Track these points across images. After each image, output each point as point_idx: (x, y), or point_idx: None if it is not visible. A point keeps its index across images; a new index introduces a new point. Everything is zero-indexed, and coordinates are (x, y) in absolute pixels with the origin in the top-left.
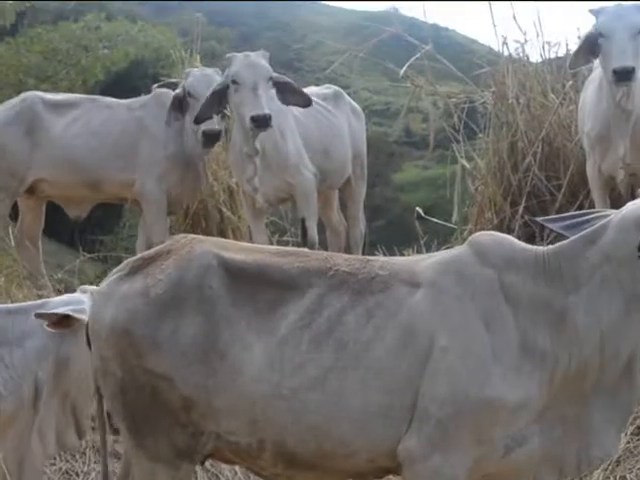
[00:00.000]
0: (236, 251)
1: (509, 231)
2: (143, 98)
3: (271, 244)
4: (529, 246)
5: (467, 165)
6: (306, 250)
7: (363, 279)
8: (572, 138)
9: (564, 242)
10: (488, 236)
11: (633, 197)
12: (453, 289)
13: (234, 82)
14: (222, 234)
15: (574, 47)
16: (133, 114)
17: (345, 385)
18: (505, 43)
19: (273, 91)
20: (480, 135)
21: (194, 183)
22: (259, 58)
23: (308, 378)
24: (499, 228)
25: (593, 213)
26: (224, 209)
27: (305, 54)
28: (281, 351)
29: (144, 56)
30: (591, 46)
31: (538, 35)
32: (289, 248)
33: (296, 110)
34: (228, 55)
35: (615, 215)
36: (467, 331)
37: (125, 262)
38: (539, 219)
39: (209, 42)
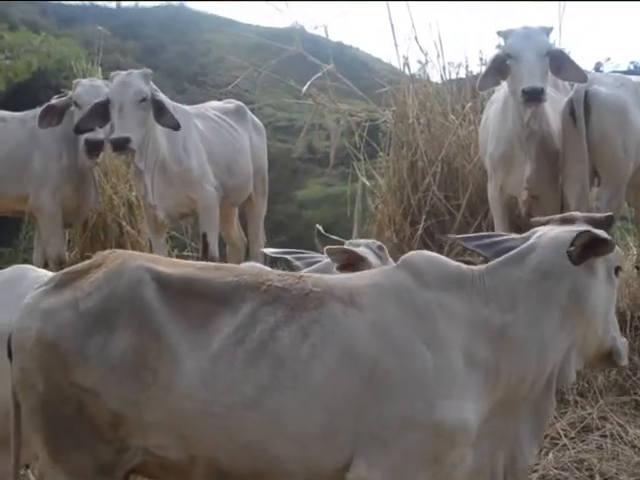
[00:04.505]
0: (167, 265)
1: (408, 249)
2: (37, 110)
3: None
4: (462, 265)
5: (367, 183)
6: (236, 265)
7: (297, 295)
8: (471, 159)
9: (493, 262)
10: (420, 256)
11: (531, 216)
12: (392, 311)
13: (108, 101)
14: (121, 248)
15: (475, 68)
16: (26, 126)
17: (283, 404)
18: (407, 63)
19: (145, 112)
20: (381, 154)
21: (90, 195)
22: (134, 78)
23: (243, 396)
24: (398, 247)
25: (499, 235)
26: (123, 223)
27: (210, 69)
28: (214, 367)
29: (47, 67)
30: (500, 67)
31: (439, 56)
32: (219, 264)
33: (201, 125)
34: (113, 74)
35: (541, 237)
36: (410, 352)
37: (49, 277)
38: (452, 236)
39: (113, 54)
